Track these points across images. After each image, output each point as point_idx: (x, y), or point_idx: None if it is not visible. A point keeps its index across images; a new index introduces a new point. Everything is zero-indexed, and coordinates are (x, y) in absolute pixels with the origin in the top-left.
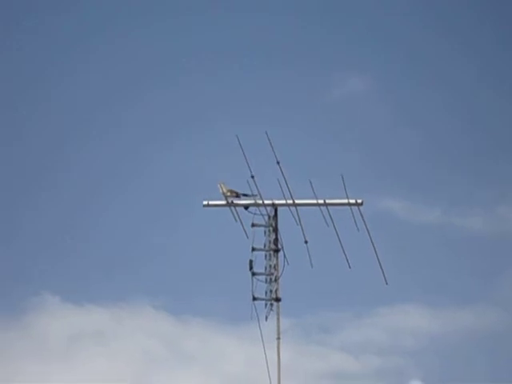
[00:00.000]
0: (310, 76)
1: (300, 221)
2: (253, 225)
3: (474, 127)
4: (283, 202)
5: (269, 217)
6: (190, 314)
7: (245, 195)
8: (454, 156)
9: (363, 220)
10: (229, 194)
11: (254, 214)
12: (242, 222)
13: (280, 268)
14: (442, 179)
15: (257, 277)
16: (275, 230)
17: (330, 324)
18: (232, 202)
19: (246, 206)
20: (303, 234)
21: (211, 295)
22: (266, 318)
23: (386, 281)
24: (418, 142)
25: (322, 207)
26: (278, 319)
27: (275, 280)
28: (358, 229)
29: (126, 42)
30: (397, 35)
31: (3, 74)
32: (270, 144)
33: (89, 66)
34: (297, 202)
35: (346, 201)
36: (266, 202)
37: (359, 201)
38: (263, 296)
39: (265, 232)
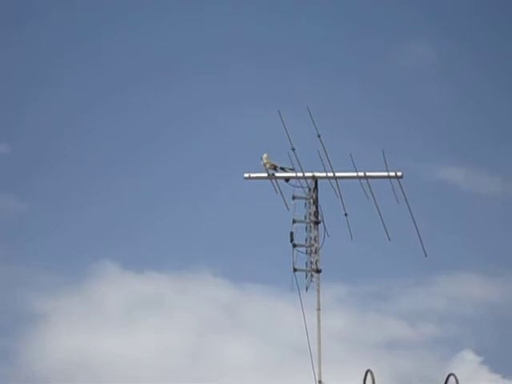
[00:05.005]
0: (353, 48)
1: (340, 193)
2: (293, 197)
3: None
4: (323, 174)
5: (309, 189)
6: (249, 281)
7: (282, 169)
8: None
9: (403, 192)
10: (268, 166)
11: (295, 186)
12: (282, 195)
13: (320, 240)
14: (503, 150)
15: (297, 248)
16: (315, 202)
17: (387, 293)
18: (273, 174)
19: (287, 179)
20: (343, 207)
21: (263, 264)
22: (307, 288)
23: (425, 253)
24: (480, 112)
25: (362, 180)
26: (319, 290)
27: (315, 252)
28: (397, 201)
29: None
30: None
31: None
32: (311, 117)
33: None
34: (337, 174)
35: (385, 173)
36: (307, 174)
37: (399, 173)
38: (304, 267)
39: (305, 204)
